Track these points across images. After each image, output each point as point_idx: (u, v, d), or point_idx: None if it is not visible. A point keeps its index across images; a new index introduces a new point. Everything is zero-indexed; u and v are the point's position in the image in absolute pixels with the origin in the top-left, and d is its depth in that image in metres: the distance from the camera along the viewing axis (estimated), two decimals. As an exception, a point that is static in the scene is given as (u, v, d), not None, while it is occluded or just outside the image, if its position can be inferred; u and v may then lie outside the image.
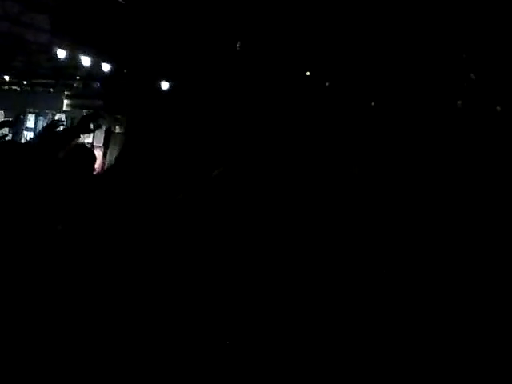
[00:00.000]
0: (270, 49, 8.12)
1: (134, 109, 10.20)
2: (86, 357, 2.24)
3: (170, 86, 9.86)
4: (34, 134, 12.01)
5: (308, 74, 8.27)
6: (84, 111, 8.97)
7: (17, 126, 11.54)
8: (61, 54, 9.32)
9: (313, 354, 2.50)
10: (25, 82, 12.45)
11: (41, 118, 12.73)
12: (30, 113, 12.91)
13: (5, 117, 12.49)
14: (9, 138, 6.69)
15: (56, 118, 11.70)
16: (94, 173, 3.15)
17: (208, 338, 2.39)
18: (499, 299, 3.03)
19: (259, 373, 2.41)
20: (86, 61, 9.58)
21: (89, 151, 3.15)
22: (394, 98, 7.56)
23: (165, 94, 9.80)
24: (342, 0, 7.40)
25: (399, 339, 2.70)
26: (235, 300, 2.49)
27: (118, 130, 11.19)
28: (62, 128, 3.16)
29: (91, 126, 3.13)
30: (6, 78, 12.28)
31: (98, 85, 11.19)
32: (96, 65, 9.72)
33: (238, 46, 8.46)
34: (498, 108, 6.90)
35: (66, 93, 12.28)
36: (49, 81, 12.11)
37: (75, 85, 12.00)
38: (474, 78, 7.05)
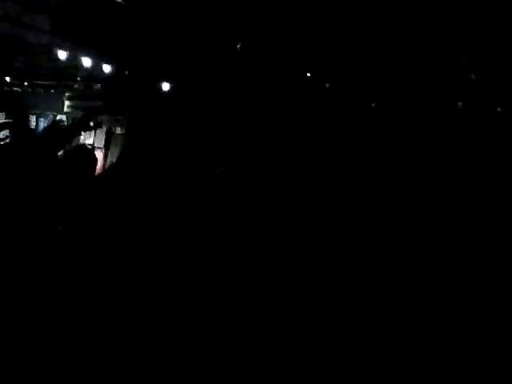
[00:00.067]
0: (270, 50, 8.13)
1: (134, 110, 10.20)
2: (86, 357, 2.24)
3: (171, 87, 9.87)
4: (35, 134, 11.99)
5: (309, 75, 8.28)
6: (84, 112, 8.96)
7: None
8: (61, 55, 9.34)
9: (313, 354, 2.49)
10: (26, 84, 12.47)
11: (42, 119, 12.74)
12: (30, 114, 12.92)
13: (5, 118, 12.47)
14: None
15: (57, 119, 11.71)
16: (95, 174, 3.15)
17: (208, 337, 2.39)
18: (499, 299, 3.03)
19: (259, 373, 2.41)
20: (86, 62, 9.60)
21: (90, 152, 3.15)
22: (395, 99, 7.56)
23: (165, 95, 9.81)
24: (343, 1, 7.41)
25: (399, 339, 2.70)
26: (235, 300, 2.49)
27: (118, 131, 11.22)
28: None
29: (91, 123, 3.13)
30: (7, 79, 12.28)
31: (99, 86, 11.21)
32: (97, 66, 9.73)
33: (238, 47, 8.47)
34: (499, 109, 6.91)
35: (66, 94, 12.30)
36: (50, 82, 12.13)
37: (76, 86, 12.02)
38: (474, 78, 7.06)
